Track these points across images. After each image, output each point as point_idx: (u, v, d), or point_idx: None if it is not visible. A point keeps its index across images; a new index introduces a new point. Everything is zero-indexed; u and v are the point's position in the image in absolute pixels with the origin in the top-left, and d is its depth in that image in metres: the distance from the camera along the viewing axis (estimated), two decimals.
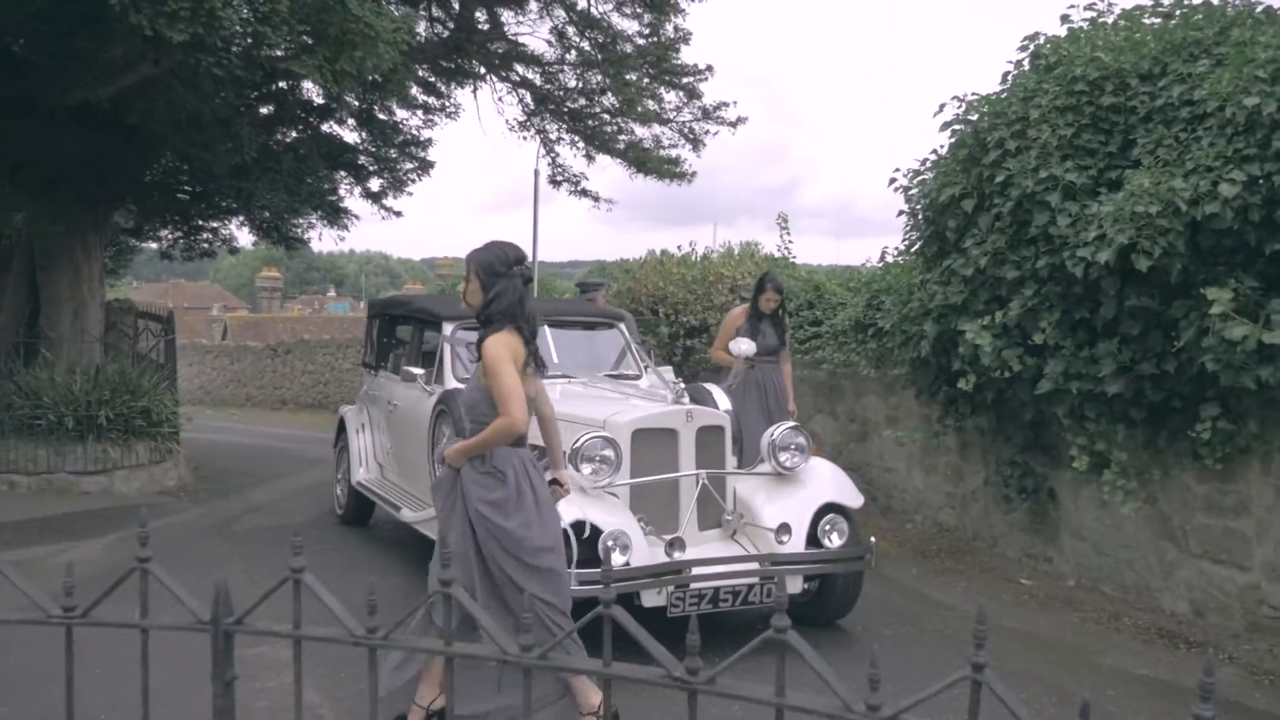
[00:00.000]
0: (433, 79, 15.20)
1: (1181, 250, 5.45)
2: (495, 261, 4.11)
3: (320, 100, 12.81)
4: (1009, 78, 7.17)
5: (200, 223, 15.07)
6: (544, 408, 4.44)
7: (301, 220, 14.66)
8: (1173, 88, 6.02)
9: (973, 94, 7.24)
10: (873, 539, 5.88)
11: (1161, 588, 6.33)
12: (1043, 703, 4.91)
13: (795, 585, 5.68)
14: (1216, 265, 5.51)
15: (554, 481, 4.45)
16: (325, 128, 13.96)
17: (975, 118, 7.04)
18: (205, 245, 15.83)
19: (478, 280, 4.13)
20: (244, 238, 16.52)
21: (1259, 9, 6.36)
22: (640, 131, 16.10)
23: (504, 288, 4.07)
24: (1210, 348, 5.29)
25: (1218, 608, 5.95)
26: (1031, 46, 7.12)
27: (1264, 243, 5.26)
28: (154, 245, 16.81)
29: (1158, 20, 6.77)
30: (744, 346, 7.88)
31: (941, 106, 7.39)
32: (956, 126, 7.24)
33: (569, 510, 5.23)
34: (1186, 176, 5.46)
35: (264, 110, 12.59)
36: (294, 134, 13.52)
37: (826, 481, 5.98)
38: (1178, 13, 6.67)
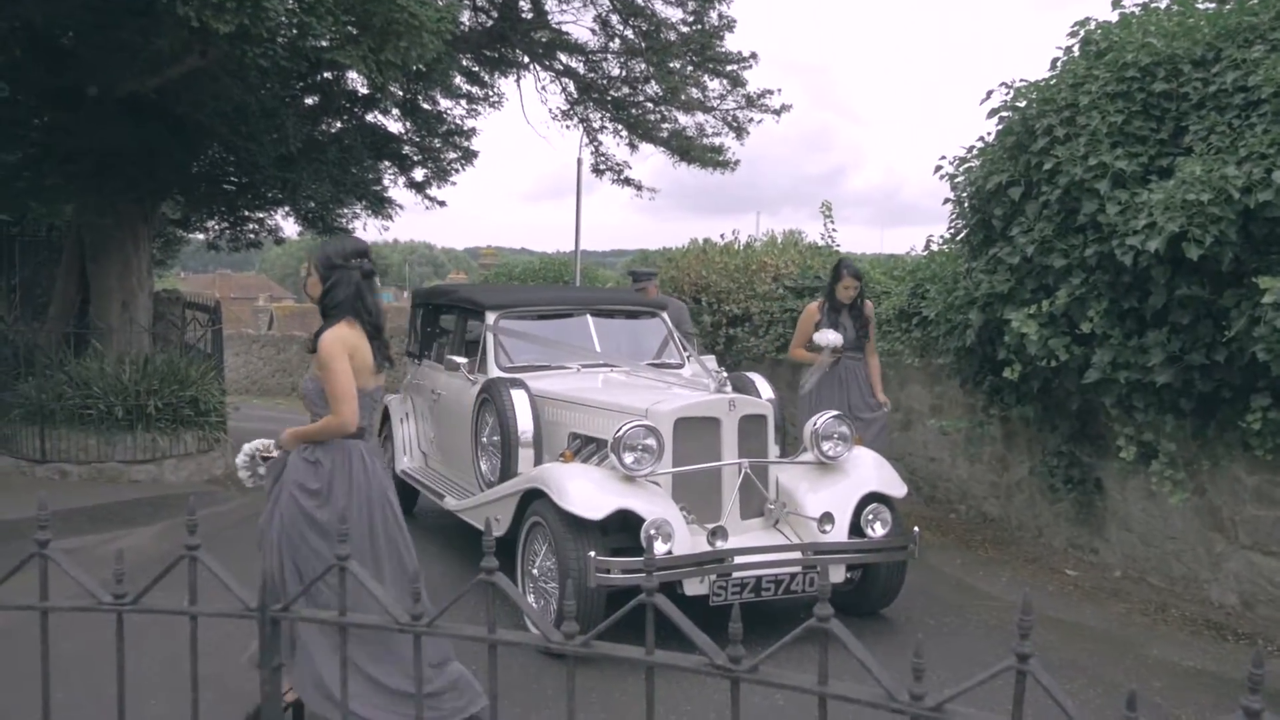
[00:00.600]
0: (476, 68, 15.27)
1: (1233, 239, 5.36)
2: (332, 255, 4.09)
3: (365, 90, 12.90)
4: (1058, 64, 7.07)
5: (246, 213, 15.24)
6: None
7: (346, 210, 14.78)
8: (1226, 74, 5.91)
9: (1021, 81, 7.16)
10: (916, 529, 5.85)
11: (1210, 579, 6.25)
12: (1088, 694, 4.86)
13: (838, 574, 5.66)
14: (1269, 254, 5.41)
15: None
16: (370, 118, 14.06)
17: (1023, 105, 6.96)
18: (251, 236, 16.00)
19: (316, 274, 4.13)
20: (289, 228, 16.65)
21: None
22: (683, 120, 16.09)
23: (339, 279, 4.04)
24: (1262, 337, 5.20)
25: (1267, 599, 5.87)
26: (1082, 32, 7.02)
27: None
28: (201, 236, 17.02)
29: (1212, 5, 6.65)
30: (830, 337, 7.43)
31: (989, 93, 7.31)
32: (1004, 114, 7.17)
33: (611, 499, 5.25)
34: (1239, 164, 5.37)
35: (309, 101, 12.71)
36: (339, 124, 13.62)
37: (869, 471, 5.96)
38: None
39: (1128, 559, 6.88)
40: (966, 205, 7.55)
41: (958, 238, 8.04)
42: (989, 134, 7.41)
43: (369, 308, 4.09)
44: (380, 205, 14.71)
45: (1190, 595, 6.35)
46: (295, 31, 8.12)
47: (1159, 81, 6.23)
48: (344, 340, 3.96)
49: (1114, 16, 6.96)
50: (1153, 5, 6.92)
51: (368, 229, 36.45)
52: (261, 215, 15.41)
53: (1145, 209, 5.70)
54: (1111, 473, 6.94)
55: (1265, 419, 5.55)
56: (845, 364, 7.51)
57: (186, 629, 2.10)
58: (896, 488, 5.94)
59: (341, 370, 3.90)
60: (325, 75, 11.78)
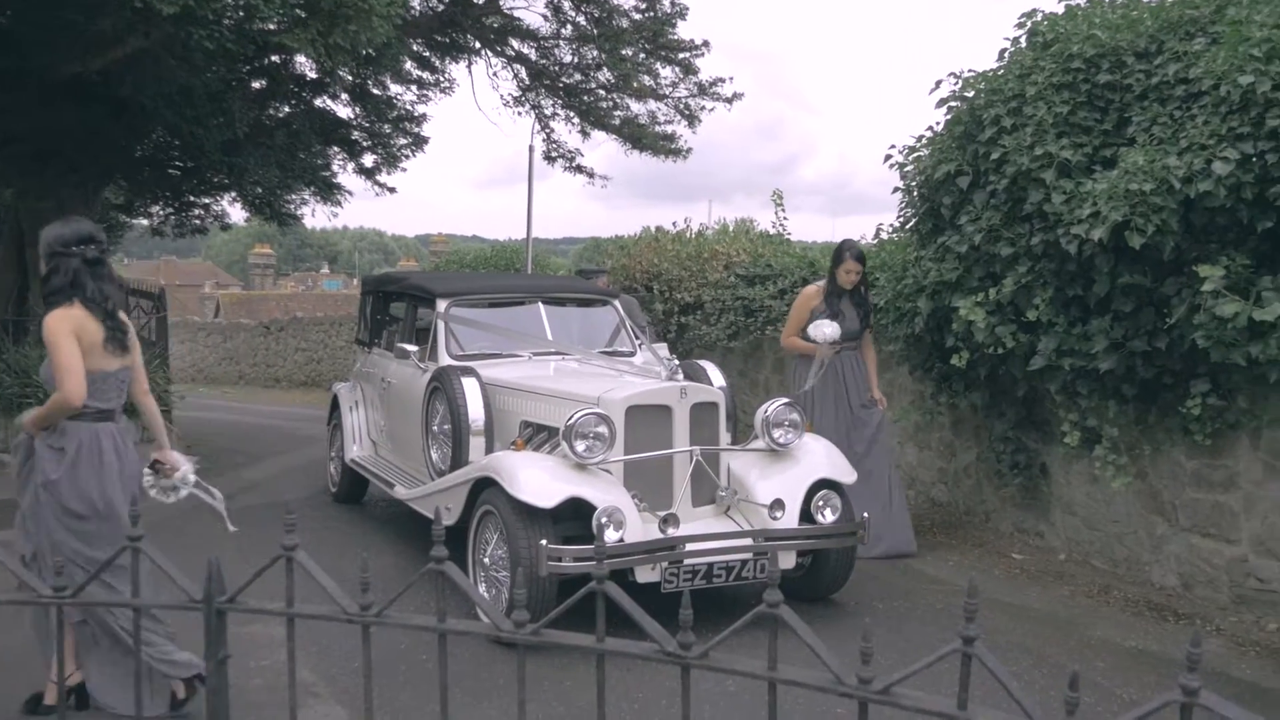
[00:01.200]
0: (427, 53, 15.12)
1: (1174, 228, 5.45)
2: (53, 241, 4.16)
3: (313, 74, 12.73)
4: (1006, 55, 7.14)
5: (192, 199, 15.00)
6: (134, 387, 4.41)
7: (294, 196, 14.60)
8: (1168, 66, 6.01)
9: (969, 71, 7.22)
10: (865, 514, 5.90)
11: (1151, 561, 6.37)
12: (1033, 675, 4.94)
13: (788, 561, 5.71)
14: (1209, 243, 5.51)
15: (156, 462, 4.55)
16: (318, 102, 13.87)
17: (971, 95, 7.03)
18: (197, 222, 15.75)
19: (43, 259, 4.21)
20: (236, 214, 16.41)
21: None
22: (636, 107, 16.05)
23: (57, 266, 4.11)
24: (1201, 325, 5.30)
25: (1205, 580, 6.00)
26: (1029, 24, 7.09)
27: (1256, 220, 5.27)
28: (145, 222, 16.74)
29: None
30: (827, 330, 6.88)
31: (938, 83, 7.37)
32: (953, 103, 7.23)
33: (563, 487, 5.25)
34: (1180, 154, 5.46)
35: (256, 84, 12.52)
36: (286, 109, 13.43)
37: (820, 457, 6.00)
38: None
39: (1072, 542, 7.00)
40: (916, 194, 7.61)
41: (907, 226, 8.10)
42: (938, 123, 7.46)
43: (94, 293, 4.12)
44: (329, 191, 14.54)
45: (1132, 577, 6.47)
46: (242, 14, 8.00)
47: (1103, 73, 6.32)
48: (69, 319, 4.02)
49: (1060, 8, 7.04)
50: None
51: (316, 215, 35.94)
52: (207, 201, 15.17)
53: (1089, 198, 5.78)
54: (1056, 458, 7.05)
55: (1204, 405, 5.66)
56: (844, 357, 7.07)
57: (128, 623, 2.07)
58: (846, 474, 5.99)
59: (65, 347, 3.96)
60: (273, 59, 11.61)
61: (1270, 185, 5.16)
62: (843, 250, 7.13)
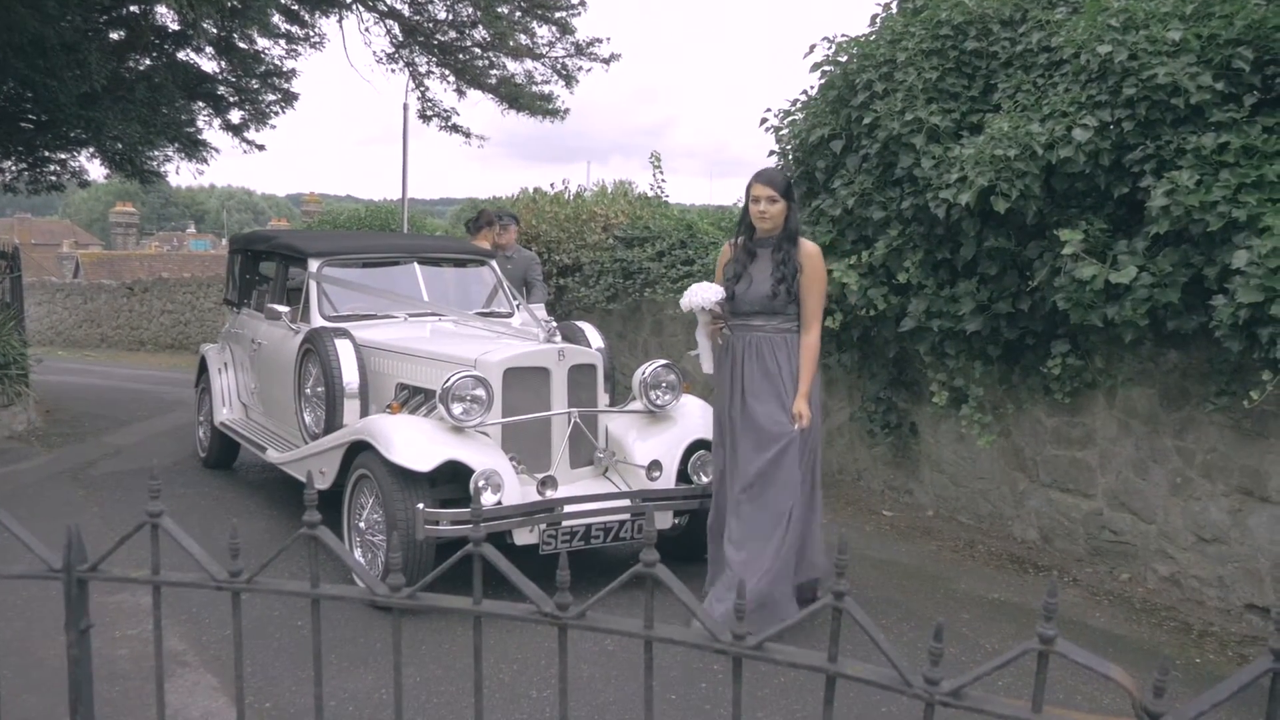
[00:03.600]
0: (295, 6, 14.65)
1: (1037, 193, 5.63)
2: None
3: (175, 26, 12.24)
4: (878, 20, 7.26)
5: (47, 154, 14.30)
6: None
7: (157, 153, 14.04)
8: (1032, 34, 6.18)
9: (843, 36, 7.32)
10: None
11: (1013, 516, 6.62)
12: (901, 628, 5.10)
13: (665, 521, 5.76)
14: (1069, 208, 5.71)
15: None
16: (181, 55, 13.35)
17: (844, 59, 7.12)
18: (53, 178, 15.03)
19: None
20: (95, 170, 15.81)
21: None
22: (512, 66, 15.85)
23: None
24: (1061, 287, 5.50)
25: (1064, 534, 6.26)
26: None
27: (1112, 186, 5.47)
28: None
29: None
30: (698, 296, 4.91)
31: (812, 47, 7.44)
32: (826, 68, 7.31)
33: (439, 450, 5.21)
34: (1043, 121, 5.63)
35: (114, 35, 11.99)
36: (148, 61, 12.90)
37: (697, 419, 6.05)
38: None
39: (939, 499, 7.22)
40: (790, 158, 7.70)
41: None
42: (812, 88, 7.55)
43: None
44: (194, 148, 14.04)
45: (996, 532, 6.72)
46: None
47: (970, 40, 6.46)
48: None
49: None
50: None
51: (181, 173, 34.76)
52: (64, 156, 14.48)
53: (957, 164, 5.93)
54: (925, 417, 7.25)
55: (1064, 364, 5.89)
56: (756, 340, 4.88)
57: None
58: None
59: None
60: (131, 8, 11.14)
61: (1126, 152, 5.37)
62: (751, 182, 4.91)
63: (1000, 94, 6.23)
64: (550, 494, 5.32)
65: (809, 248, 4.93)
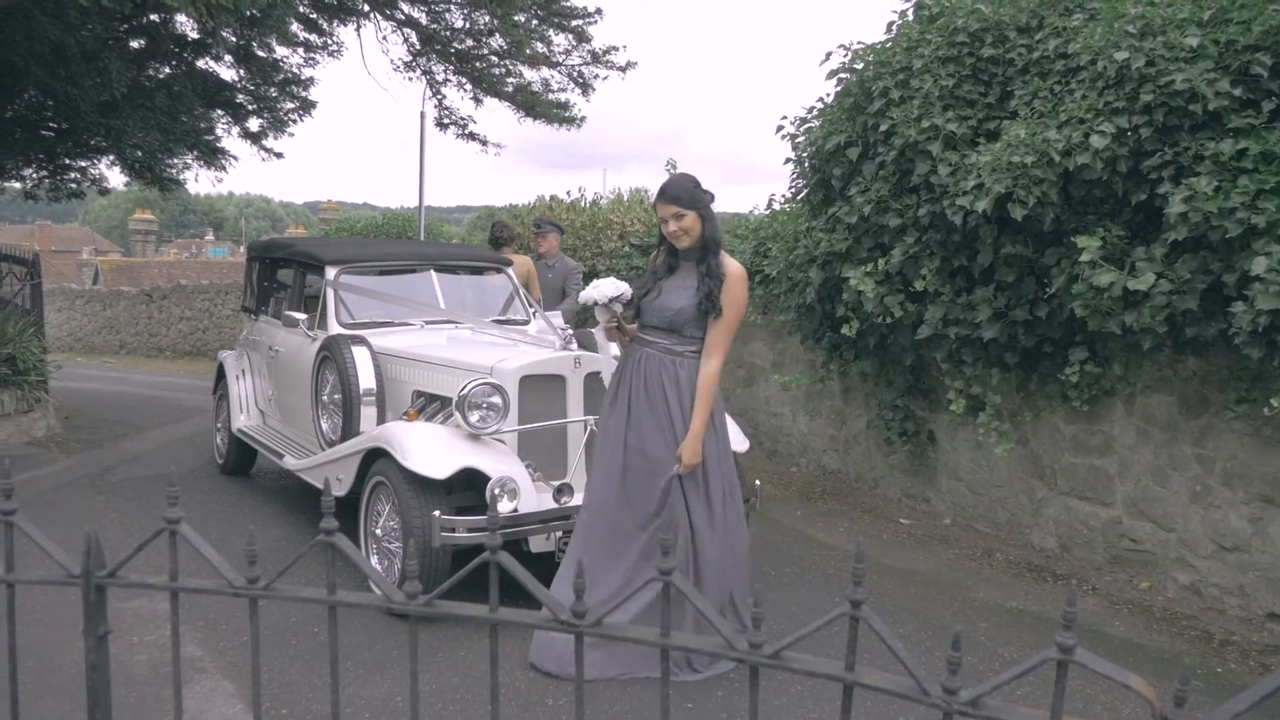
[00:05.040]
0: (314, 15, 14.75)
1: (1054, 200, 5.61)
2: None
3: (195, 35, 12.33)
4: (894, 28, 7.25)
5: (67, 161, 14.44)
6: None
7: (176, 160, 14.15)
8: (1048, 41, 6.16)
9: (859, 43, 7.31)
10: (758, 482, 5.98)
11: (1031, 524, 6.59)
12: (919, 637, 5.08)
13: None
14: (1086, 214, 5.69)
15: None
16: (201, 64, 13.46)
17: (861, 67, 7.11)
18: (73, 186, 15.17)
19: None
20: (115, 178, 15.94)
21: None
22: (529, 74, 15.95)
23: None
24: (1079, 294, 5.47)
25: (1082, 542, 6.23)
26: None
27: (1130, 193, 5.45)
28: (17, 185, 16.06)
29: None
30: (596, 291, 4.59)
31: (828, 55, 7.44)
32: (843, 75, 7.30)
33: (456, 458, 5.21)
34: (1060, 128, 5.61)
35: (134, 44, 12.09)
36: (167, 69, 13.00)
37: None
38: None
39: (957, 507, 7.20)
40: (807, 165, 7.69)
41: (798, 197, 8.20)
42: (828, 95, 7.54)
43: None
44: (213, 156, 14.14)
45: (1014, 540, 6.69)
46: None
47: (987, 47, 6.45)
48: None
49: None
50: None
51: (200, 180, 34.89)
52: (84, 164, 14.61)
53: (974, 170, 5.91)
54: (942, 425, 7.23)
55: (1082, 372, 5.86)
56: (643, 356, 4.47)
57: (2, 598, 2.00)
58: (739, 442, 6.05)
59: None
60: (152, 17, 11.21)
61: (1144, 158, 5.34)
62: (655, 200, 4.57)
63: (1017, 101, 6.22)
64: (566, 501, 5.32)
65: (734, 268, 4.42)
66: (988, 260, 6.12)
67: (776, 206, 9.04)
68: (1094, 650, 1.44)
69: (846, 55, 7.33)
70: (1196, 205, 4.87)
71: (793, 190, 8.33)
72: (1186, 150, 5.17)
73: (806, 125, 7.67)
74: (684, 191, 4.40)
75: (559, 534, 5.23)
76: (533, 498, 5.24)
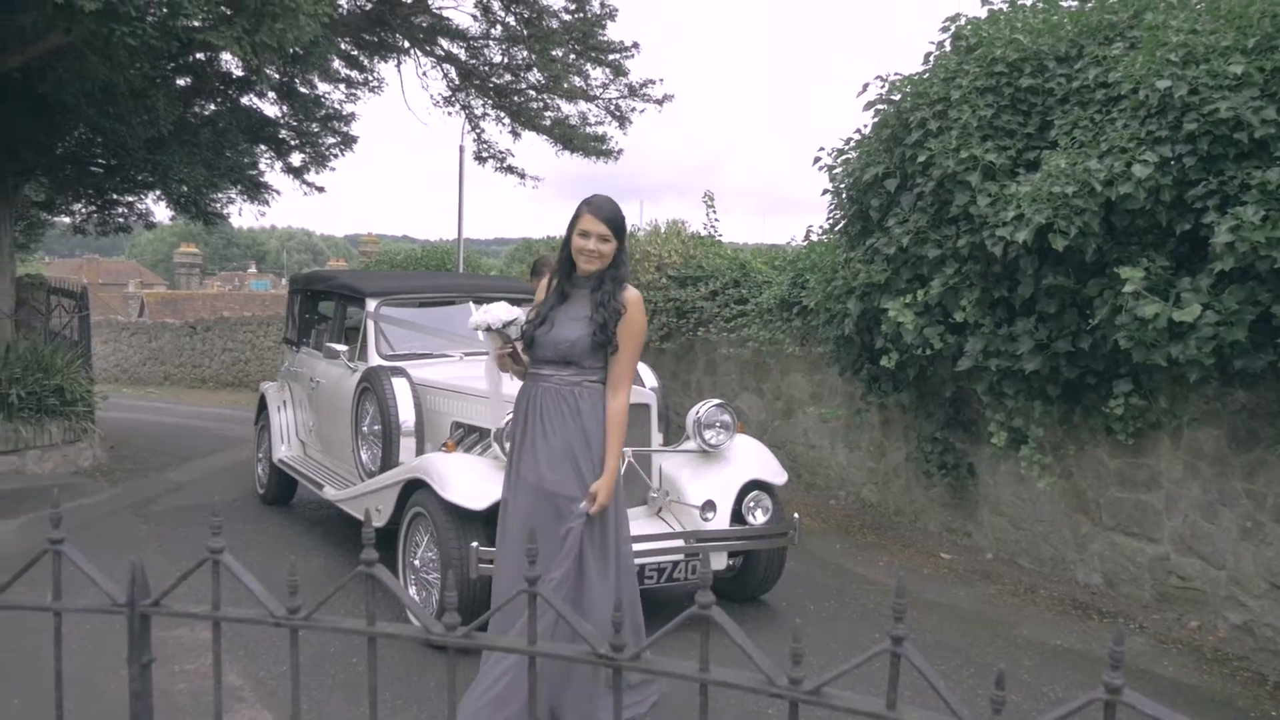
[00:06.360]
0: (355, 52, 14.99)
1: (1096, 230, 5.56)
2: None
3: (239, 72, 12.53)
4: (931, 58, 7.24)
5: (115, 196, 14.70)
6: None
7: (220, 195, 14.36)
8: (1088, 70, 6.13)
9: (896, 74, 7.31)
10: (796, 515, 5.95)
11: (1076, 560, 6.49)
12: (961, 674, 5.01)
13: (720, 561, 5.72)
14: (1129, 245, 5.63)
15: None
16: (245, 100, 13.67)
17: (898, 98, 7.11)
18: (120, 220, 15.44)
19: None
20: (161, 212, 16.13)
21: None
22: (566, 108, 16.06)
23: None
24: (1123, 325, 5.41)
25: (1129, 579, 6.12)
26: (953, 28, 7.20)
27: (1174, 223, 5.39)
28: (66, 219, 16.37)
29: (1074, 3, 6.88)
30: (490, 314, 4.36)
31: (865, 86, 7.45)
32: (880, 106, 7.30)
33: (494, 489, 5.21)
34: (1101, 158, 5.57)
35: (181, 82, 12.30)
36: (212, 106, 13.21)
37: (751, 459, 6.02)
38: None
39: (999, 542, 7.11)
40: (844, 196, 7.68)
41: (836, 228, 8.18)
42: (865, 126, 7.54)
43: None
44: (256, 190, 14.34)
45: (1058, 576, 6.59)
46: (165, 10, 7.84)
47: (1026, 77, 6.43)
48: None
49: (983, 13, 7.15)
50: (1019, 2, 7.13)
51: (243, 214, 35.44)
52: (131, 199, 14.87)
53: (1014, 201, 5.88)
54: (983, 458, 7.15)
55: (1127, 404, 5.78)
56: (539, 391, 4.04)
57: (50, 625, 2.02)
58: (777, 475, 6.02)
59: None
60: (198, 56, 11.41)
61: (1188, 188, 5.29)
62: (581, 207, 4.06)
63: (1057, 130, 6.18)
64: None
65: (633, 294, 4.05)
66: (1029, 291, 6.07)
67: (814, 238, 9.02)
68: (1142, 691, 1.41)
69: (884, 86, 7.33)
70: (1244, 235, 4.81)
71: (830, 221, 8.32)
72: (1232, 179, 5.12)
73: (844, 156, 7.66)
74: (620, 218, 4.06)
75: None
76: None
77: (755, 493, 5.84)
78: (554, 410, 3.98)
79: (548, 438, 3.97)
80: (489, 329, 4.32)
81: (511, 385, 4.54)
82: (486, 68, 15.79)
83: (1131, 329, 5.35)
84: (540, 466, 3.97)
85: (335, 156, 15.17)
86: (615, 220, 4.03)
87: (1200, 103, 5.20)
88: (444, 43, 15.52)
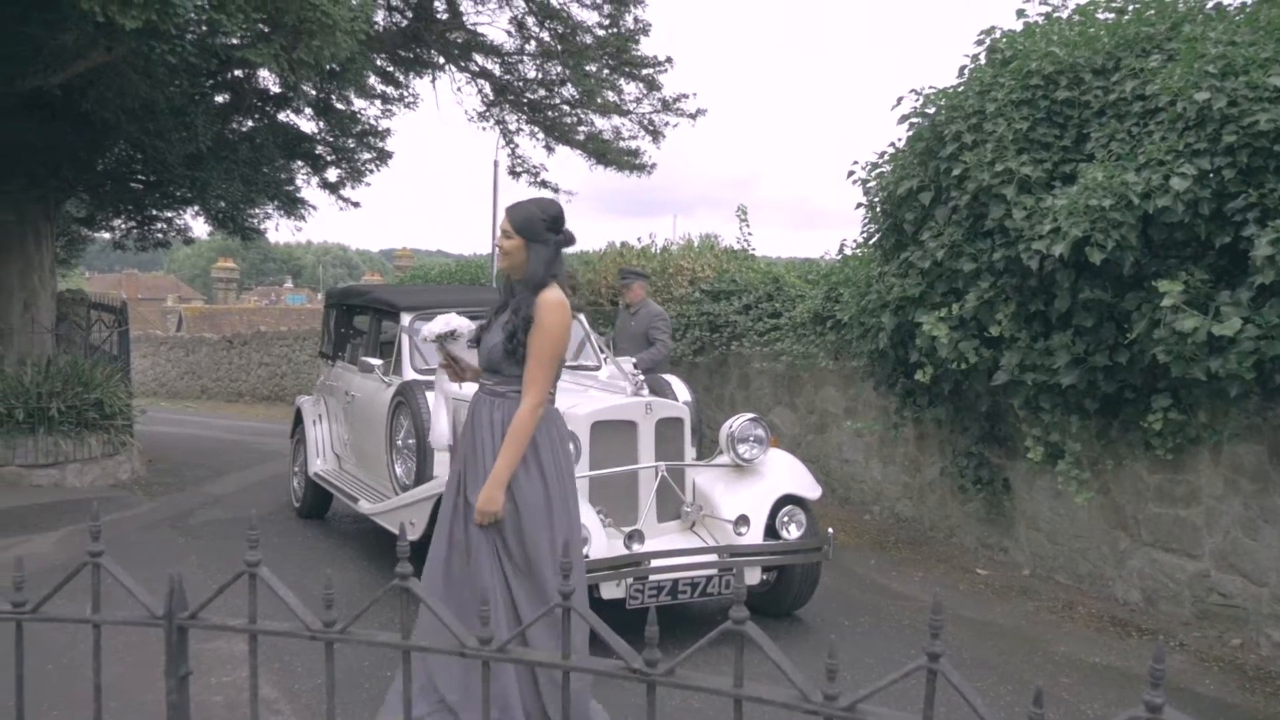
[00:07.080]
0: (391, 69, 15.11)
1: (1134, 243, 5.52)
2: None
3: (277, 89, 12.68)
4: (965, 71, 7.22)
5: (154, 212, 14.90)
6: None
7: (258, 210, 14.52)
8: (1125, 82, 6.09)
9: (930, 87, 7.29)
10: (830, 530, 5.92)
11: (1114, 576, 6.42)
12: (998, 691, 4.96)
13: (754, 576, 5.70)
14: (1168, 258, 5.58)
15: None
16: (282, 117, 13.82)
17: (932, 111, 7.09)
18: (159, 235, 15.65)
19: None
20: (199, 228, 16.36)
21: (1209, 5, 6.44)
22: (600, 123, 16.13)
23: None
24: (1161, 339, 5.36)
25: (1168, 596, 6.05)
26: (988, 41, 7.18)
27: (1213, 236, 5.34)
28: (107, 235, 16.61)
29: (1110, 15, 6.84)
30: (435, 324, 4.63)
31: (899, 99, 7.43)
32: (914, 120, 7.29)
33: None
34: (1139, 170, 5.53)
35: (219, 99, 12.45)
36: (250, 123, 13.37)
37: (785, 473, 6.01)
38: (1130, 8, 6.74)
39: (1036, 557, 7.04)
40: (878, 210, 7.66)
41: (870, 242, 8.16)
42: (900, 140, 7.52)
43: None
44: (293, 206, 14.48)
45: (1096, 592, 6.52)
46: (204, 28, 7.95)
47: (1062, 89, 6.39)
48: None
49: (1019, 26, 7.12)
50: (1055, 15, 7.10)
51: (280, 229, 35.77)
52: (170, 214, 15.07)
53: (1050, 214, 5.84)
54: (1020, 473, 7.09)
55: (1166, 419, 5.72)
56: (482, 400, 4.04)
57: (88, 637, 2.04)
58: (811, 490, 6.00)
59: None
60: (236, 73, 11.55)
61: (1227, 201, 5.24)
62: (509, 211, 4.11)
63: (1093, 143, 6.14)
64: (637, 548, 5.30)
65: (548, 296, 3.90)
66: (1065, 305, 6.02)
67: (848, 251, 8.99)
68: (1182, 709, 1.39)
69: (918, 100, 7.31)
70: None
71: (864, 235, 8.29)
72: (1272, 191, 5.06)
73: (878, 170, 7.65)
74: (522, 214, 3.98)
75: (629, 580, 5.21)
76: (603, 544, 5.23)
77: (789, 507, 5.81)
78: (482, 421, 3.96)
79: (475, 451, 3.94)
80: (427, 341, 4.43)
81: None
82: (521, 83, 15.88)
83: (1170, 343, 5.29)
84: (465, 478, 3.95)
85: (370, 172, 15.31)
86: (514, 214, 3.98)
87: (1239, 115, 5.15)
88: (479, 59, 15.64)
